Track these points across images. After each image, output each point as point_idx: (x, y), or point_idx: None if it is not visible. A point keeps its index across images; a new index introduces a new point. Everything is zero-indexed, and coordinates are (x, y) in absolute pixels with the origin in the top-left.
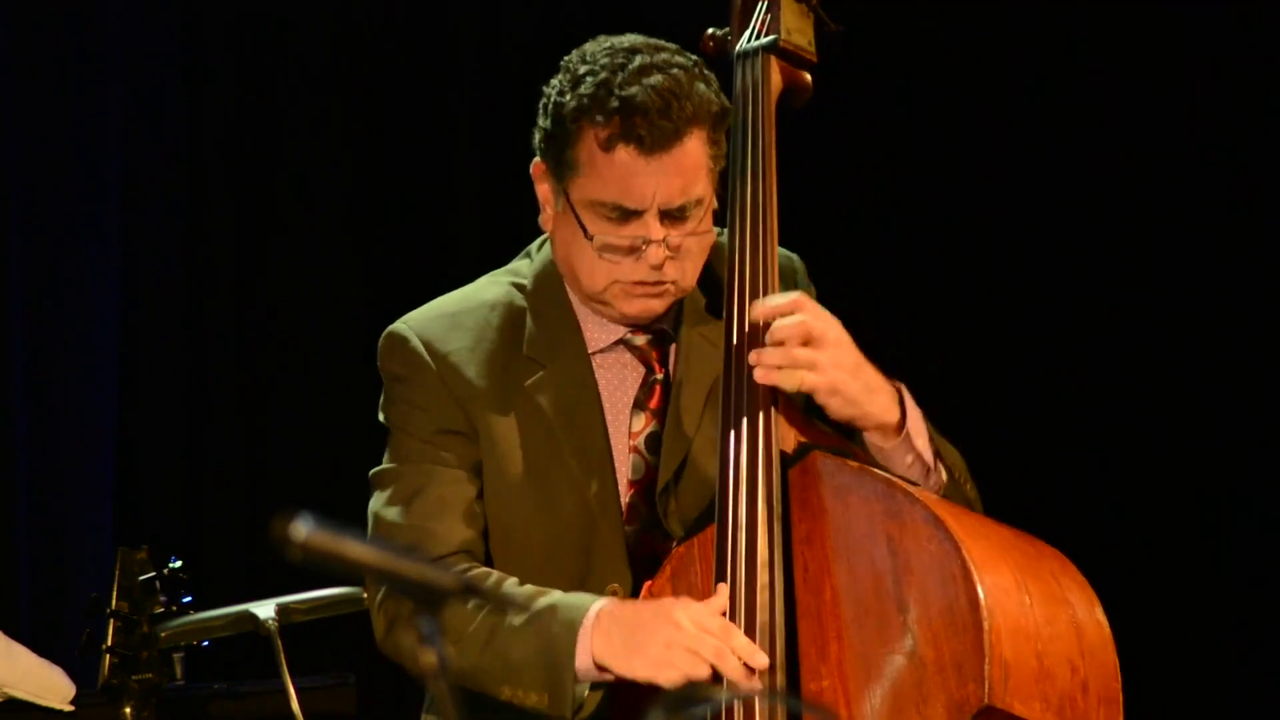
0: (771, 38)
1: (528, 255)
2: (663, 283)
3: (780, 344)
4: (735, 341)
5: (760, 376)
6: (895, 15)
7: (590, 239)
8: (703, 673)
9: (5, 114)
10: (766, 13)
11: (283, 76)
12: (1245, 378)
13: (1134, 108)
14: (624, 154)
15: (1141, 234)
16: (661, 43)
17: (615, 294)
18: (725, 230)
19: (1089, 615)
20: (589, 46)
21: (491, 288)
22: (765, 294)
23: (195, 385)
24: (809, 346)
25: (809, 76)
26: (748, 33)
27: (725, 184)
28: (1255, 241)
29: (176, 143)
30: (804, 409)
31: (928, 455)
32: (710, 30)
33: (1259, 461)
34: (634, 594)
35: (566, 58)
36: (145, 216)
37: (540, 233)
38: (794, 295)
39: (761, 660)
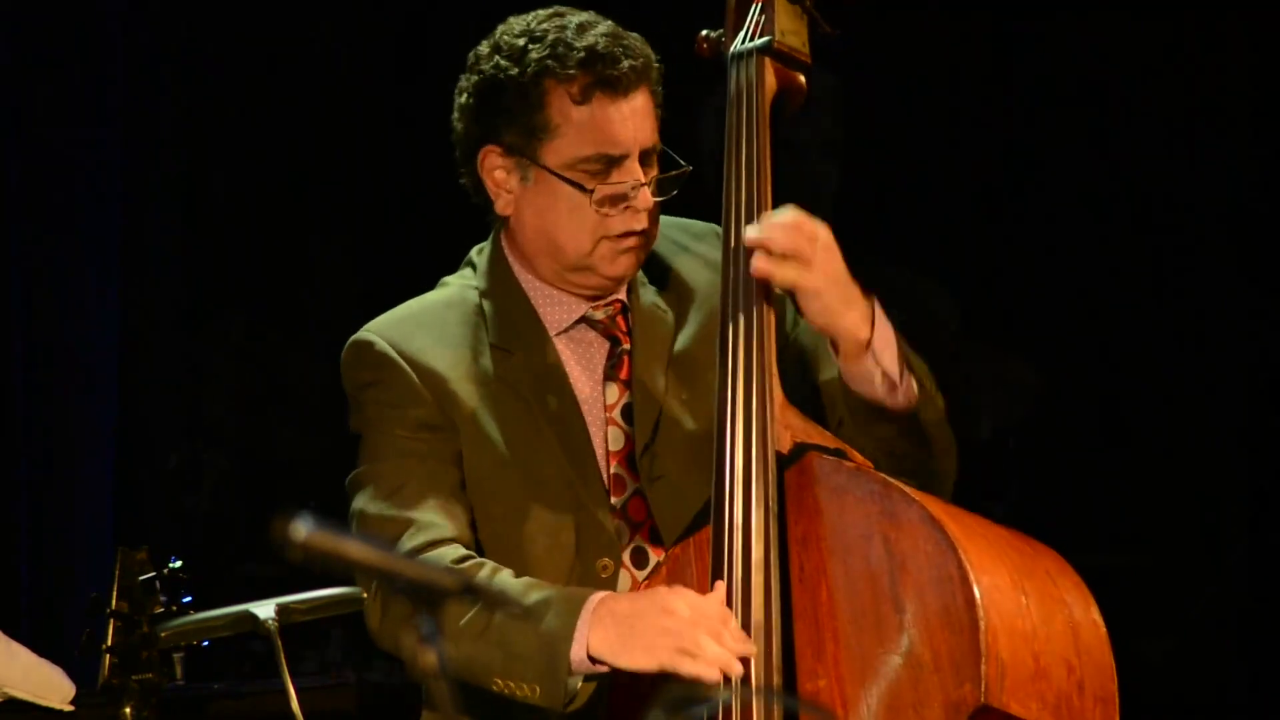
0: (766, 39)
1: (470, 264)
2: (644, 233)
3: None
4: (730, 340)
5: (761, 265)
6: (889, 18)
7: (591, 192)
8: (697, 657)
9: (6, 114)
10: (761, 14)
11: (284, 76)
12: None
13: (1138, 110)
14: (599, 102)
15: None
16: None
17: (603, 253)
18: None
19: (1085, 615)
20: (507, 27)
21: (443, 291)
22: (760, 296)
23: (195, 385)
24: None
25: (803, 79)
26: (742, 34)
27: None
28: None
29: (177, 142)
30: (799, 408)
31: (893, 371)
32: (704, 32)
33: (1256, 464)
34: (635, 563)
35: (482, 46)
36: (145, 217)
37: (474, 243)
38: (788, 208)
39: (750, 650)
